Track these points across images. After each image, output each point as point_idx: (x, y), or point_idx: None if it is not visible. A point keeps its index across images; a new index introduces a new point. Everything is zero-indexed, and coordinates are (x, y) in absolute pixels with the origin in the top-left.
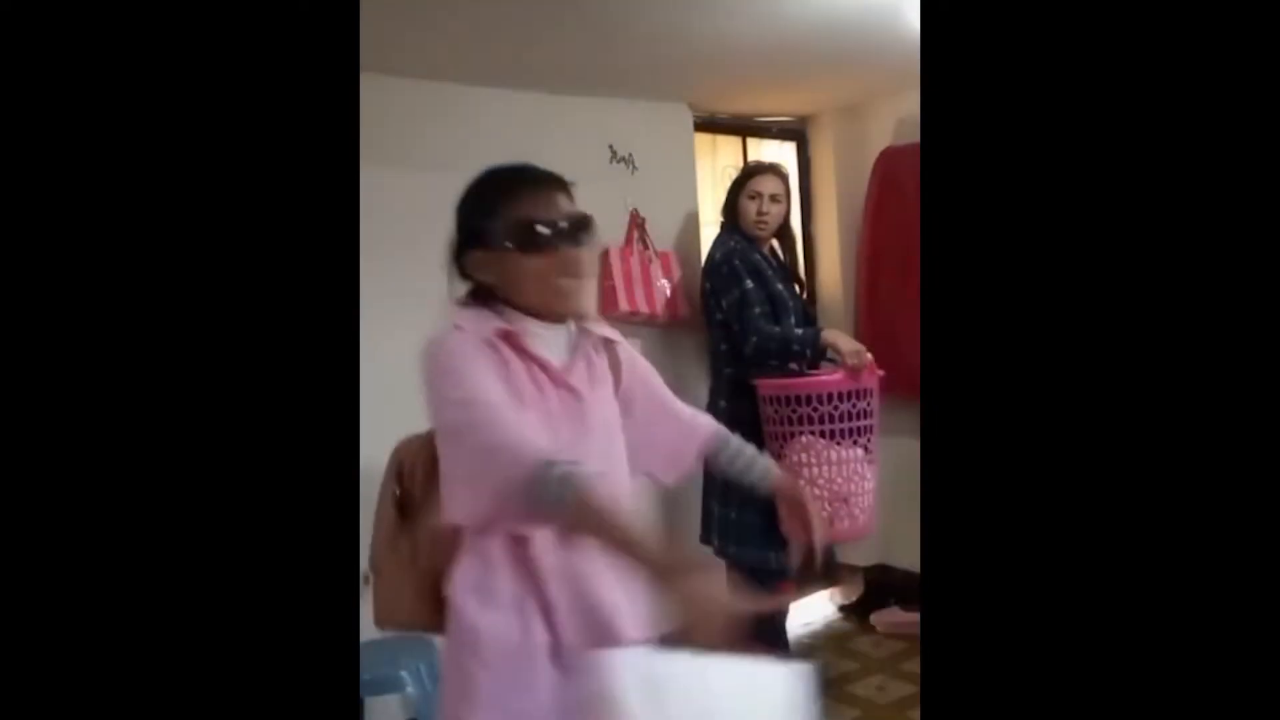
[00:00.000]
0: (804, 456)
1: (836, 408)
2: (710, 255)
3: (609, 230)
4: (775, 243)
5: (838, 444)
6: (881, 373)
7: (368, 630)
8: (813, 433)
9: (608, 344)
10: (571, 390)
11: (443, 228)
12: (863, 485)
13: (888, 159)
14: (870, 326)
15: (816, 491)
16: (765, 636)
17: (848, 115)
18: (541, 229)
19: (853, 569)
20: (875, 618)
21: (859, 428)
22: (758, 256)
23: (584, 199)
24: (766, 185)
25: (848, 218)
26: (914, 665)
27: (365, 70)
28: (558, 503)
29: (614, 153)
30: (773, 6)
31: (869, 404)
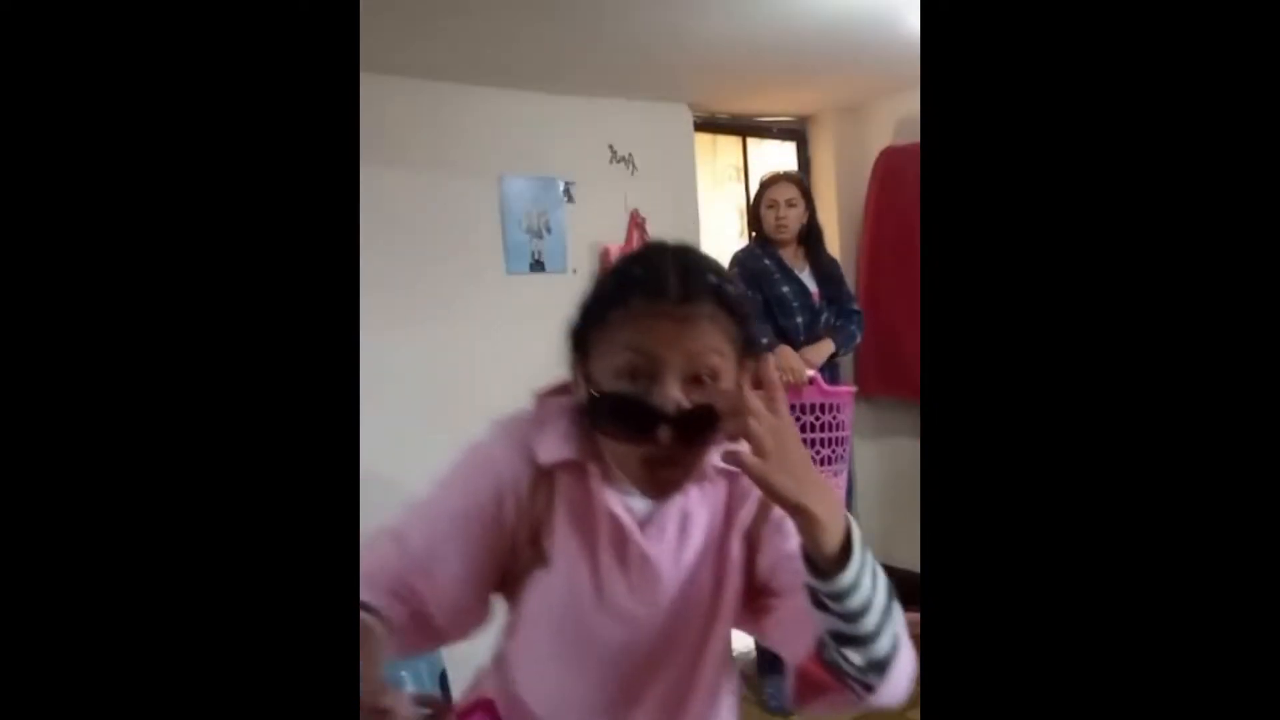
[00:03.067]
0: None
1: None
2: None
3: (609, 230)
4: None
5: None
6: (846, 389)
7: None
8: None
9: (730, 477)
10: (643, 562)
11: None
12: None
13: (888, 159)
14: (870, 326)
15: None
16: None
17: (848, 115)
18: (635, 410)
19: None
20: None
21: (804, 440)
22: (768, 262)
23: (584, 199)
24: (781, 193)
25: (848, 218)
26: None
27: (365, 70)
28: None
29: (614, 153)
30: (772, 6)
31: (815, 419)
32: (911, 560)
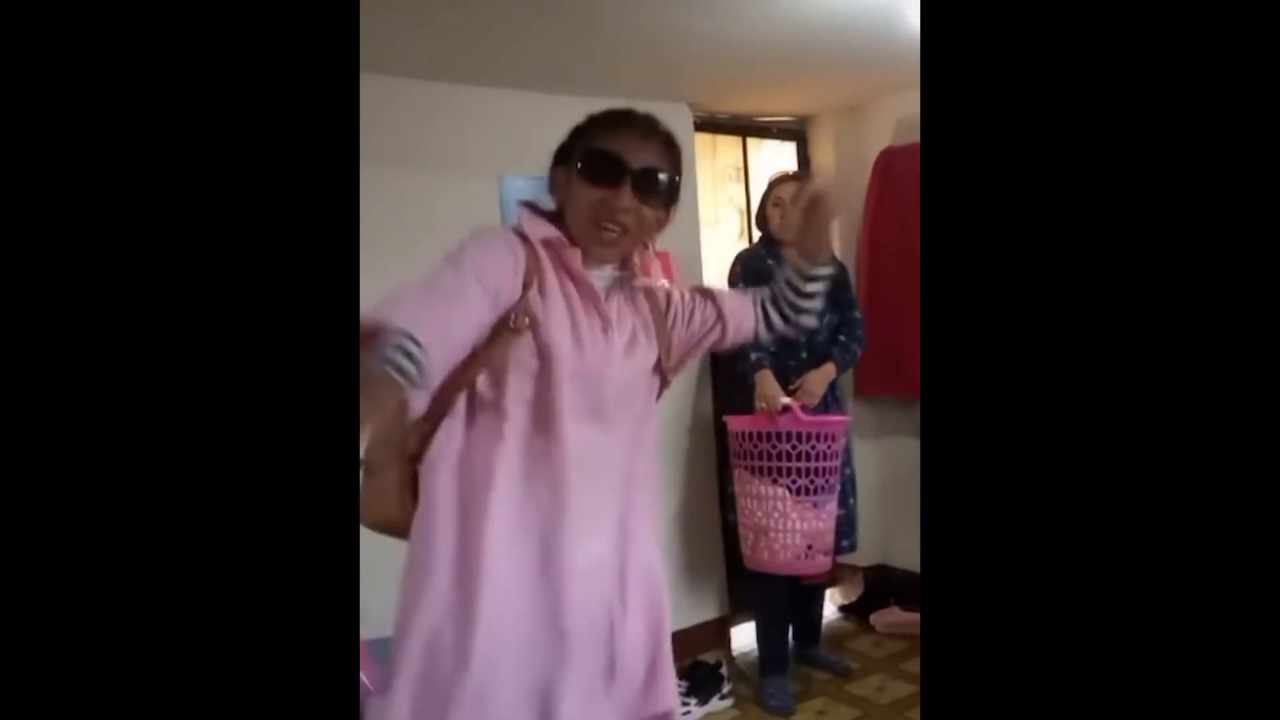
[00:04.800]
0: (737, 487)
1: (756, 446)
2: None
3: None
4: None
5: (766, 480)
6: (838, 419)
7: (368, 630)
8: (743, 467)
9: (649, 294)
10: (602, 316)
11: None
12: (784, 523)
13: (888, 159)
14: (870, 326)
15: (743, 519)
16: (801, 632)
17: (848, 115)
18: (607, 160)
19: (853, 569)
20: (875, 618)
21: (780, 468)
22: (770, 261)
23: None
24: (786, 191)
25: (848, 218)
26: (914, 665)
27: (365, 70)
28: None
29: None
30: (773, 6)
31: (792, 448)
32: (911, 560)
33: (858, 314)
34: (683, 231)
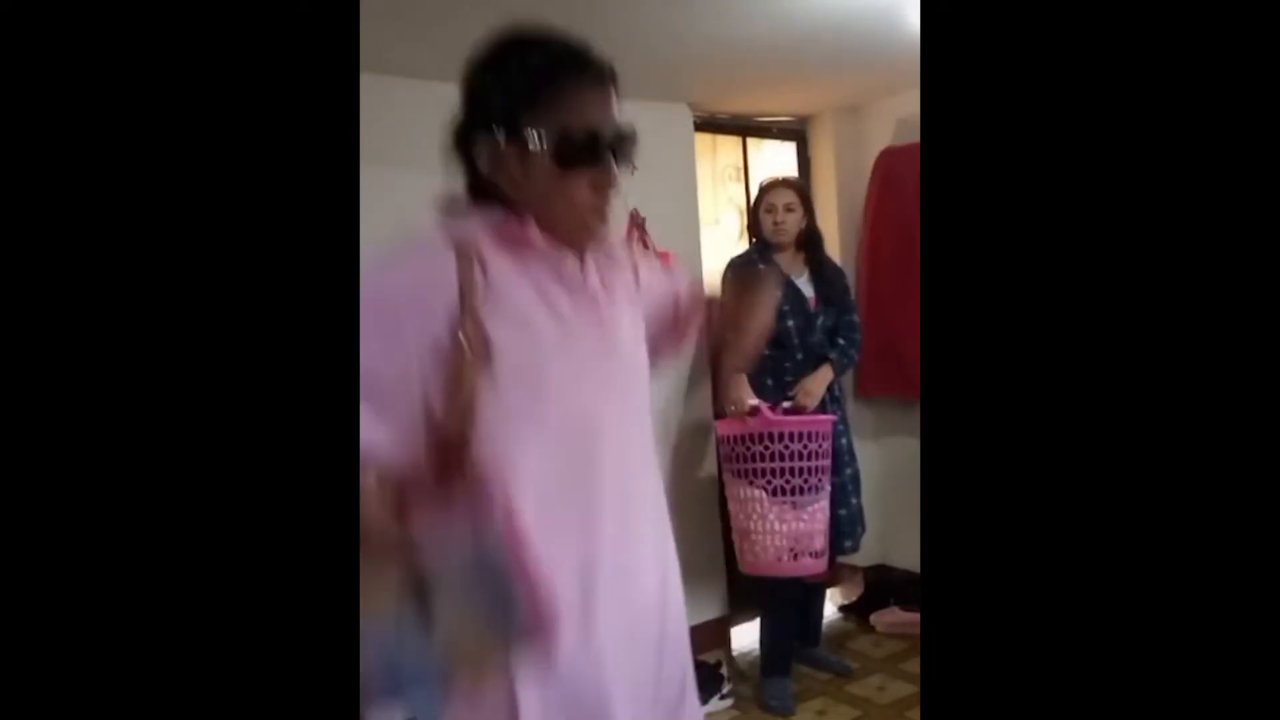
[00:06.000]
0: (726, 490)
1: (735, 449)
2: None
3: None
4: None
5: (744, 482)
6: (825, 418)
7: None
8: (729, 470)
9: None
10: (590, 298)
11: None
12: (762, 525)
13: (888, 159)
14: (870, 326)
15: (732, 522)
16: (801, 632)
17: (848, 115)
18: (594, 143)
19: (853, 569)
20: (875, 618)
21: (757, 469)
22: (762, 266)
23: None
24: (780, 198)
25: (848, 218)
26: (914, 665)
27: (365, 70)
28: None
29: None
30: (772, 6)
31: (765, 449)
32: (911, 560)
33: (856, 317)
34: (683, 231)
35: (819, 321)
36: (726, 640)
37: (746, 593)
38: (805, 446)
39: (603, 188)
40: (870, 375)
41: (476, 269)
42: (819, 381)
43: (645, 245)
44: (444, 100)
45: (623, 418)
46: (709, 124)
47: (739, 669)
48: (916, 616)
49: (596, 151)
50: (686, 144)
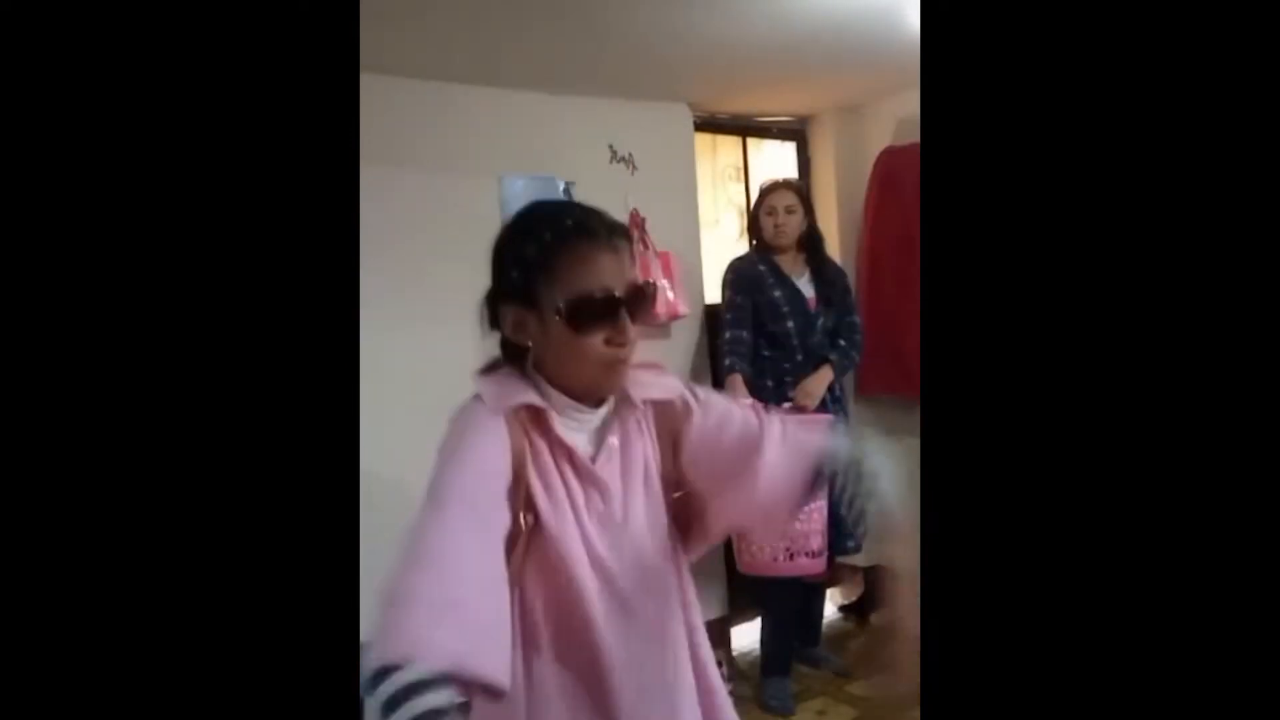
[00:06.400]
0: None
1: None
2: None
3: None
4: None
5: None
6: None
7: (368, 630)
8: None
9: (659, 408)
10: (597, 484)
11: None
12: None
13: (888, 159)
14: (870, 326)
15: None
16: (801, 632)
17: (848, 115)
18: (603, 305)
19: (853, 569)
20: (875, 618)
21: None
22: (762, 268)
23: (584, 199)
24: (780, 200)
25: (848, 218)
26: None
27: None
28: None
29: (614, 153)
30: (773, 6)
31: None
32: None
33: (856, 318)
34: (683, 232)
35: (819, 322)
36: (727, 640)
37: (746, 593)
38: None
39: (617, 343)
40: (870, 375)
41: (528, 432)
42: (818, 382)
43: (645, 245)
44: (444, 100)
45: (627, 622)
46: (709, 124)
47: (739, 669)
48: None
49: (608, 310)
50: (686, 144)
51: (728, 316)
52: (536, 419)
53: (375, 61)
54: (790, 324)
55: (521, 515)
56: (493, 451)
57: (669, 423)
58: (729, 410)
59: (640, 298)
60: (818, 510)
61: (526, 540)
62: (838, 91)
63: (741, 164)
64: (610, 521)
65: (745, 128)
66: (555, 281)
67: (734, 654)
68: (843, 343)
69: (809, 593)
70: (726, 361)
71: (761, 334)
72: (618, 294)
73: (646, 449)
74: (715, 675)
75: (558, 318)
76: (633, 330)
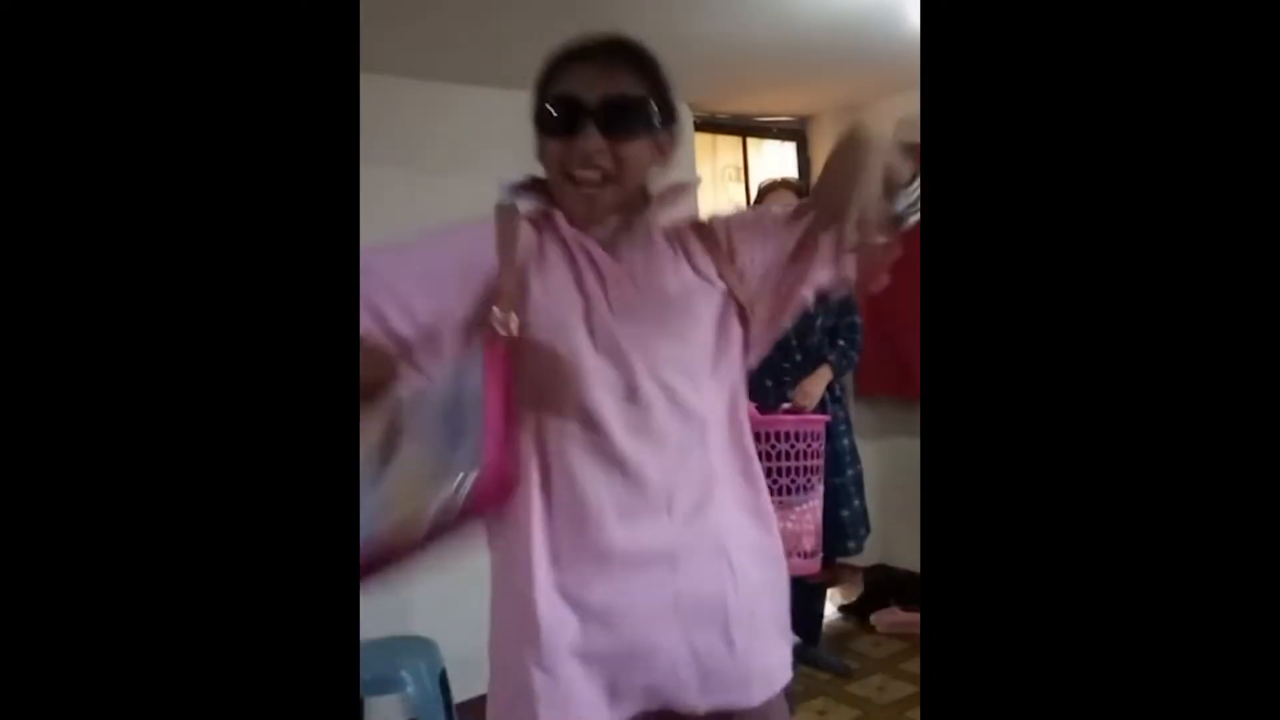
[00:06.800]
0: None
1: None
2: None
3: None
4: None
5: None
6: (818, 418)
7: (368, 630)
8: None
9: (698, 228)
10: (609, 281)
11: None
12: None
13: None
14: (870, 326)
15: None
16: (801, 632)
17: (848, 115)
18: (560, 105)
19: (853, 569)
20: (875, 618)
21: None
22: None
23: None
24: (779, 199)
25: None
26: (914, 665)
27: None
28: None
29: None
30: (773, 6)
31: (771, 447)
32: (911, 560)
33: (858, 319)
34: None
35: (817, 323)
36: None
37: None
38: (794, 446)
39: (581, 153)
40: (870, 375)
41: (541, 238)
42: (816, 383)
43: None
44: (444, 100)
45: (656, 440)
46: (709, 124)
47: None
48: (916, 616)
49: (569, 117)
50: (686, 144)
51: None
52: (549, 221)
53: (375, 61)
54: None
55: (510, 314)
56: (481, 239)
57: (706, 238)
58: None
59: (617, 110)
60: (810, 511)
61: (515, 344)
62: (838, 91)
63: (741, 164)
64: (629, 305)
65: (745, 128)
66: (542, 91)
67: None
68: (842, 343)
69: (808, 593)
70: None
71: None
72: (586, 101)
73: (686, 251)
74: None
75: (536, 123)
76: (598, 142)
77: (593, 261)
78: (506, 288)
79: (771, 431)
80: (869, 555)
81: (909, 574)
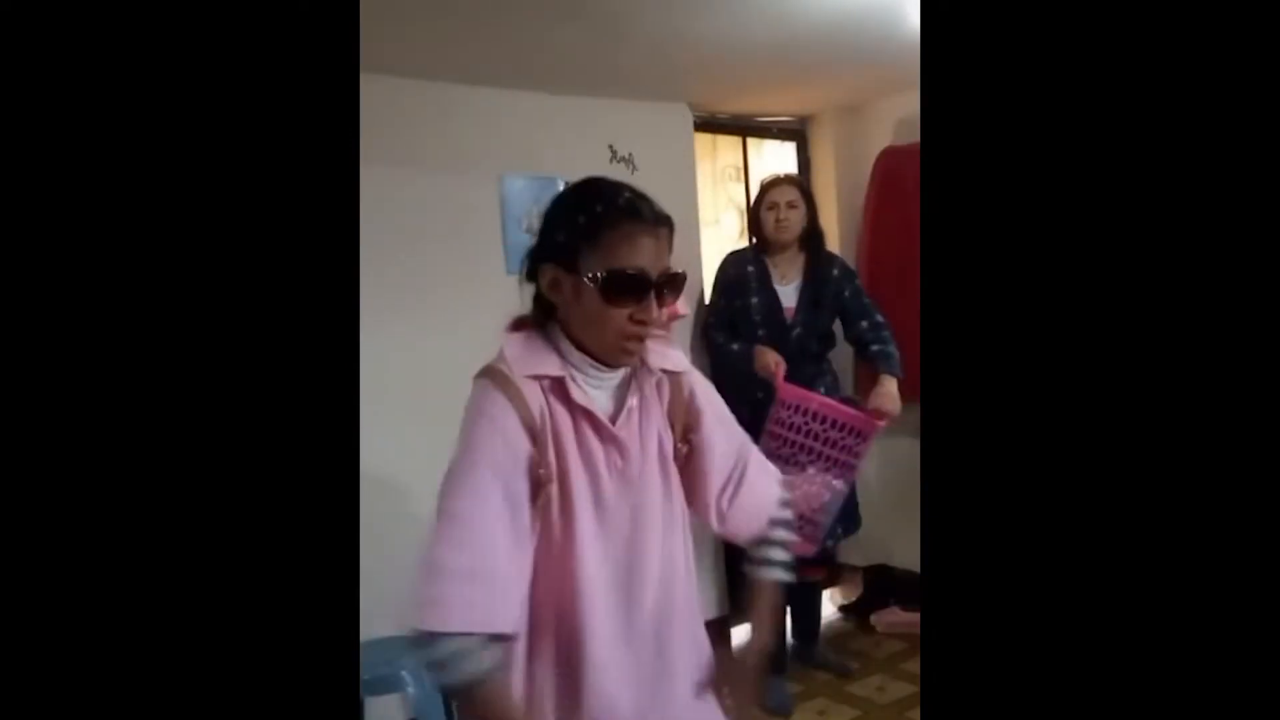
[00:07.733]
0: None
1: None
2: None
3: None
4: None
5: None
6: (867, 417)
7: (368, 630)
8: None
9: (671, 378)
10: (618, 445)
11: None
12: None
13: (888, 159)
14: None
15: None
16: (800, 631)
17: (848, 115)
18: (628, 279)
19: (853, 569)
20: (875, 618)
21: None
22: (750, 269)
23: None
24: (782, 194)
25: (848, 218)
26: (914, 665)
27: (365, 70)
28: (445, 671)
29: (614, 153)
30: (772, 6)
31: (823, 430)
32: (911, 560)
33: (880, 317)
34: (683, 232)
35: (793, 334)
36: (727, 640)
37: (745, 593)
38: (865, 447)
39: (639, 320)
40: (870, 375)
41: (546, 398)
42: (892, 397)
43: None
44: (444, 100)
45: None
46: (709, 124)
47: None
48: (916, 616)
49: (639, 288)
50: (686, 144)
51: (710, 318)
52: (557, 386)
53: (375, 61)
54: (761, 332)
55: (541, 476)
56: (512, 421)
57: (678, 393)
58: (722, 411)
59: (671, 284)
60: (819, 498)
61: (543, 503)
62: (838, 91)
63: (741, 164)
64: (628, 479)
65: (745, 128)
66: (597, 251)
67: (734, 654)
68: (875, 347)
69: (807, 593)
70: (729, 360)
71: (736, 337)
72: (651, 275)
73: (660, 414)
74: (705, 640)
75: (592, 285)
76: (656, 312)
77: (594, 428)
78: (536, 464)
79: (788, 404)
80: (869, 555)
81: (909, 574)
